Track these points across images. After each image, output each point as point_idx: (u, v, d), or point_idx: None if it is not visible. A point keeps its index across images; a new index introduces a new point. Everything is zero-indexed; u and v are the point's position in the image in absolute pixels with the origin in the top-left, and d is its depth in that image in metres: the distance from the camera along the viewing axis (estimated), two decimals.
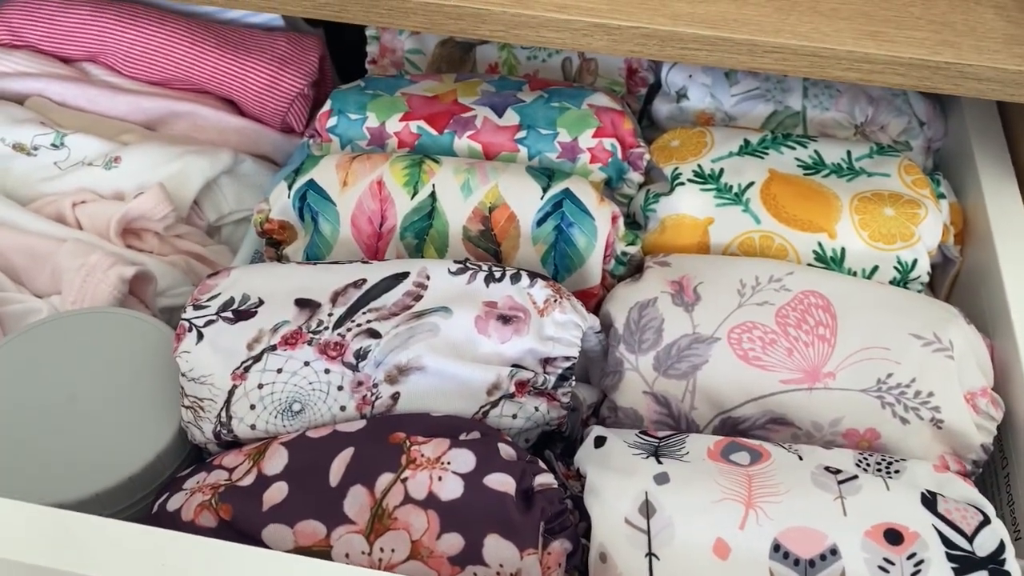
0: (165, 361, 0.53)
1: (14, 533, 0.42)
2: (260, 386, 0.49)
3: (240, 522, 0.44)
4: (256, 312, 0.51)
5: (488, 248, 0.58)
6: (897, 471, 0.45)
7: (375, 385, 0.48)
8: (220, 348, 0.50)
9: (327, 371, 0.49)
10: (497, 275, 0.52)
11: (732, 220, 0.59)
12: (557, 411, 0.50)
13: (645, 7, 0.58)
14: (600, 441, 0.47)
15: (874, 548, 0.41)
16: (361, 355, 0.48)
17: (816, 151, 0.63)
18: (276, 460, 0.46)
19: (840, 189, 0.60)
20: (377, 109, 0.64)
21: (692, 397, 0.51)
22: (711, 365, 0.51)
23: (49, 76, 0.74)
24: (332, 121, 0.65)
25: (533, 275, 0.52)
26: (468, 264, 0.53)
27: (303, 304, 0.51)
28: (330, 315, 0.50)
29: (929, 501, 0.43)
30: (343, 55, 0.82)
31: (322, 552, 0.42)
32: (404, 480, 0.43)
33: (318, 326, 0.50)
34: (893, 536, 0.41)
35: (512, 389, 0.49)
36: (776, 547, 0.41)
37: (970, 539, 0.41)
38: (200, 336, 0.50)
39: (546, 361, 0.50)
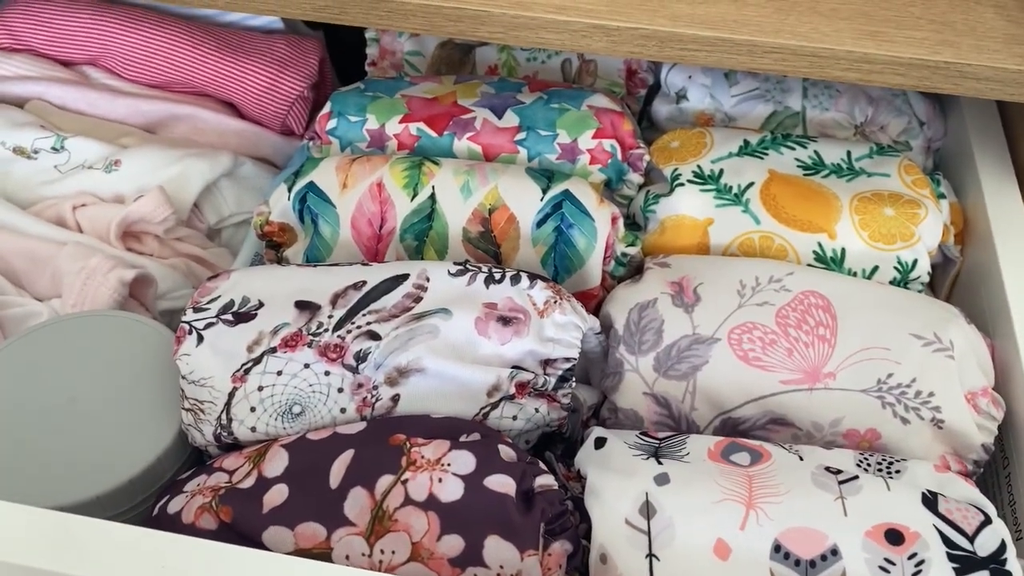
0: (165, 364, 0.53)
1: (14, 535, 0.42)
2: (260, 388, 0.49)
3: (240, 524, 0.44)
4: (256, 314, 0.51)
5: (488, 250, 0.58)
6: (898, 471, 0.45)
7: (375, 387, 0.48)
8: (220, 350, 0.50)
9: (327, 373, 0.49)
10: (497, 276, 0.52)
11: (732, 221, 0.59)
12: (557, 412, 0.50)
13: (644, 8, 0.58)
14: (600, 442, 0.47)
15: (875, 548, 0.41)
16: (361, 357, 0.48)
17: (816, 151, 0.63)
18: (276, 462, 0.46)
19: (840, 189, 0.60)
20: (377, 111, 0.64)
21: (692, 398, 0.51)
22: (711, 366, 0.51)
23: (49, 79, 0.75)
24: (332, 123, 0.65)
25: (533, 276, 0.52)
26: (468, 266, 0.53)
27: (303, 306, 0.51)
28: (330, 317, 0.50)
29: (930, 501, 0.43)
30: (343, 57, 0.82)
31: (322, 554, 0.42)
32: (404, 482, 0.43)
33: (318, 328, 0.50)
34: (894, 536, 0.41)
35: (512, 391, 0.49)
36: (777, 548, 0.41)
37: (971, 539, 0.41)
38: (200, 339, 0.50)
39: (546, 362, 0.50)
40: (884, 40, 0.56)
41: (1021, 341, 0.53)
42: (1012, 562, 0.41)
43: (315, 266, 0.55)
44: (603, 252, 0.57)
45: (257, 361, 0.49)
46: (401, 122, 0.64)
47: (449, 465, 0.43)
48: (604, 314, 0.55)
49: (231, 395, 0.49)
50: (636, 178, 0.63)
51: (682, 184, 0.60)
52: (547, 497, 0.43)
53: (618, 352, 0.53)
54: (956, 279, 0.63)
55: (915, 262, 0.57)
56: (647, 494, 0.43)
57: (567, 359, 0.50)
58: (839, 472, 0.44)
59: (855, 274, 0.57)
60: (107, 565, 0.40)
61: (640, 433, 0.49)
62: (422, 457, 0.43)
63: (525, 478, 0.43)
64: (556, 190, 0.58)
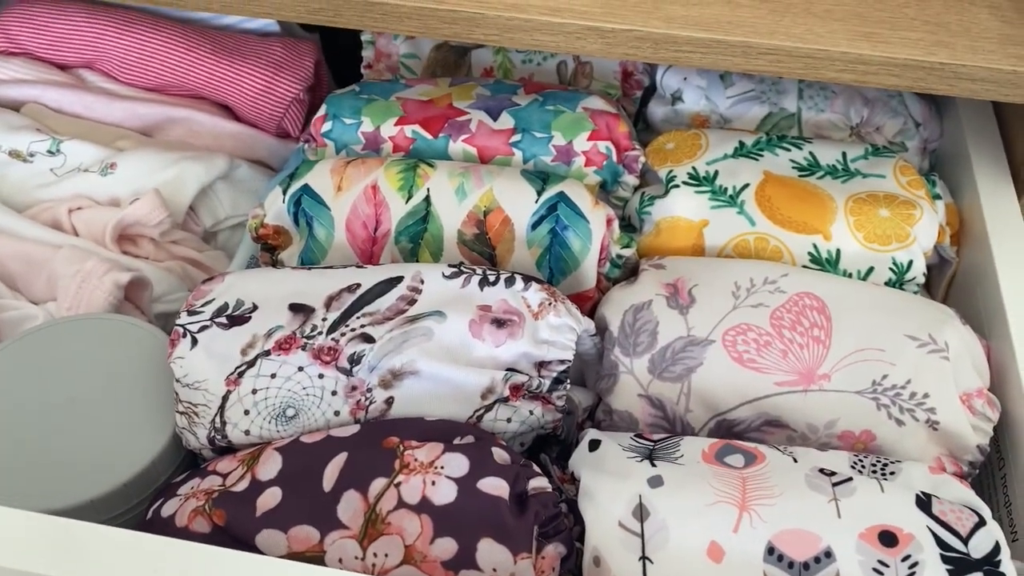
0: (160, 367, 0.53)
1: (8, 539, 0.42)
2: (254, 391, 0.49)
3: (234, 528, 0.44)
4: (250, 317, 0.51)
5: (483, 252, 0.58)
6: (892, 473, 0.45)
7: (369, 390, 0.48)
8: (214, 354, 0.50)
9: (321, 376, 0.49)
10: (491, 279, 0.52)
11: (727, 222, 0.59)
12: (552, 415, 0.50)
13: (639, 10, 0.58)
14: (594, 444, 0.47)
15: (868, 550, 0.41)
16: (355, 360, 0.48)
17: (811, 153, 0.62)
18: (270, 465, 0.46)
19: (835, 190, 0.59)
20: (372, 113, 0.64)
21: (687, 400, 0.51)
22: (706, 367, 0.51)
23: (45, 83, 0.75)
24: (327, 126, 0.65)
25: (527, 278, 0.52)
26: (462, 268, 0.53)
27: (297, 309, 0.51)
28: (324, 320, 0.50)
29: (924, 503, 0.43)
30: (339, 60, 0.82)
31: (315, 557, 0.42)
32: (397, 485, 0.43)
33: (312, 331, 0.50)
34: (887, 538, 0.41)
35: (506, 393, 0.49)
36: (770, 550, 0.41)
37: (965, 541, 0.41)
38: (194, 342, 0.50)
39: (541, 365, 0.50)
40: (879, 41, 0.56)
41: (1017, 342, 0.53)
42: (1006, 564, 0.41)
43: (309, 269, 0.55)
44: (598, 254, 0.57)
45: (251, 364, 0.49)
46: (396, 124, 0.64)
47: (442, 468, 0.43)
48: (599, 316, 0.55)
49: (225, 398, 0.49)
50: (631, 180, 0.63)
51: (677, 186, 0.60)
52: (541, 500, 0.43)
53: (613, 354, 0.53)
54: (952, 280, 0.63)
55: (910, 263, 0.57)
56: (641, 496, 0.43)
57: (561, 361, 0.50)
58: (833, 474, 0.44)
59: (850, 275, 0.57)
60: (99, 569, 0.40)
61: (635, 435, 0.49)
62: (415, 460, 0.43)
63: (519, 481, 0.43)
64: (551, 192, 0.58)
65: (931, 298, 0.63)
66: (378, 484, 0.43)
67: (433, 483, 0.42)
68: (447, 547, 0.41)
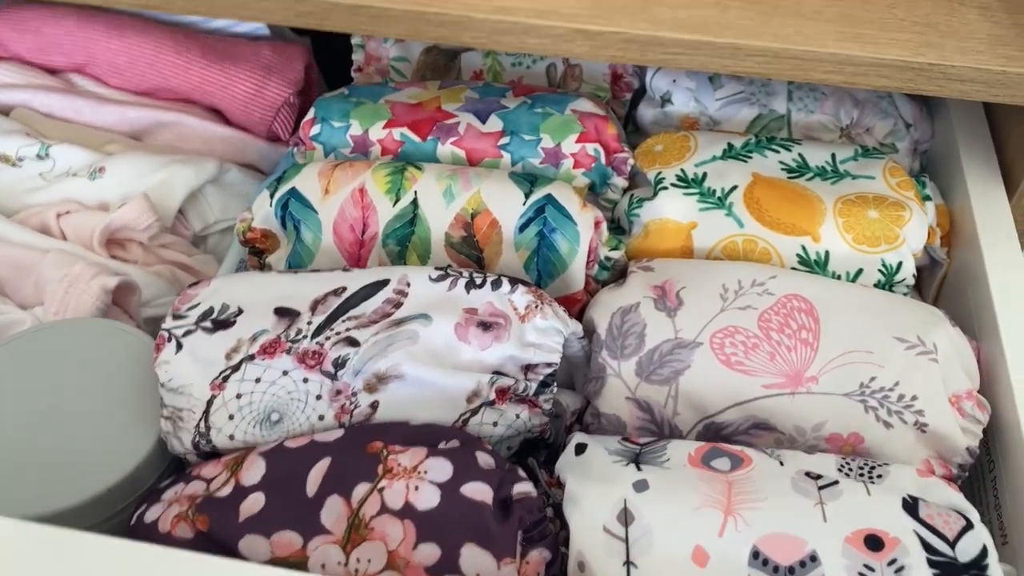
0: (147, 372, 0.53)
1: None
2: (238, 396, 0.48)
3: (216, 533, 0.43)
4: (235, 321, 0.51)
5: (470, 254, 0.57)
6: (879, 476, 0.45)
7: (354, 394, 0.48)
8: (199, 358, 0.49)
9: (305, 380, 0.48)
10: (478, 281, 0.52)
11: (715, 224, 0.58)
12: (539, 418, 0.50)
13: (626, 12, 0.57)
14: (580, 448, 0.47)
15: (854, 554, 0.40)
16: (339, 364, 0.48)
17: (800, 154, 0.62)
18: (254, 470, 0.45)
19: (824, 192, 0.59)
20: (360, 117, 0.64)
21: (675, 403, 0.51)
22: (693, 370, 0.50)
23: (35, 87, 0.74)
24: (315, 129, 0.64)
25: (514, 281, 0.52)
26: (449, 271, 0.53)
27: (282, 313, 0.51)
28: (309, 323, 0.50)
29: (911, 506, 0.42)
30: (330, 64, 0.82)
31: (298, 563, 0.42)
32: (381, 490, 0.42)
33: (297, 335, 0.49)
34: (873, 542, 0.41)
35: (492, 396, 0.49)
36: (755, 554, 0.41)
37: (952, 544, 0.41)
38: (179, 346, 0.50)
39: (527, 368, 0.50)
40: (868, 42, 0.56)
41: (1006, 343, 0.52)
42: (994, 567, 0.41)
43: (296, 272, 0.54)
44: (586, 256, 0.57)
45: (235, 368, 0.49)
46: (385, 127, 0.64)
47: (426, 473, 0.43)
48: (587, 318, 0.55)
49: (209, 403, 0.49)
50: (620, 182, 0.63)
51: (665, 188, 0.60)
52: (525, 505, 0.43)
53: (600, 357, 0.52)
54: (943, 281, 0.63)
55: (900, 264, 0.57)
56: (625, 501, 0.43)
57: (548, 364, 0.50)
58: (819, 477, 0.44)
59: (839, 277, 0.57)
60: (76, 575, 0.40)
61: (622, 439, 0.49)
62: (399, 465, 0.43)
63: (503, 486, 0.43)
64: (539, 194, 0.58)
65: (922, 300, 0.62)
66: (361, 489, 0.43)
67: (416, 488, 0.42)
68: (430, 553, 0.41)
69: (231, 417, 0.48)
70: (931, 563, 0.40)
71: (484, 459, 0.44)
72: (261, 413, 0.48)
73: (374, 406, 0.48)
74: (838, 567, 0.40)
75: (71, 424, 0.51)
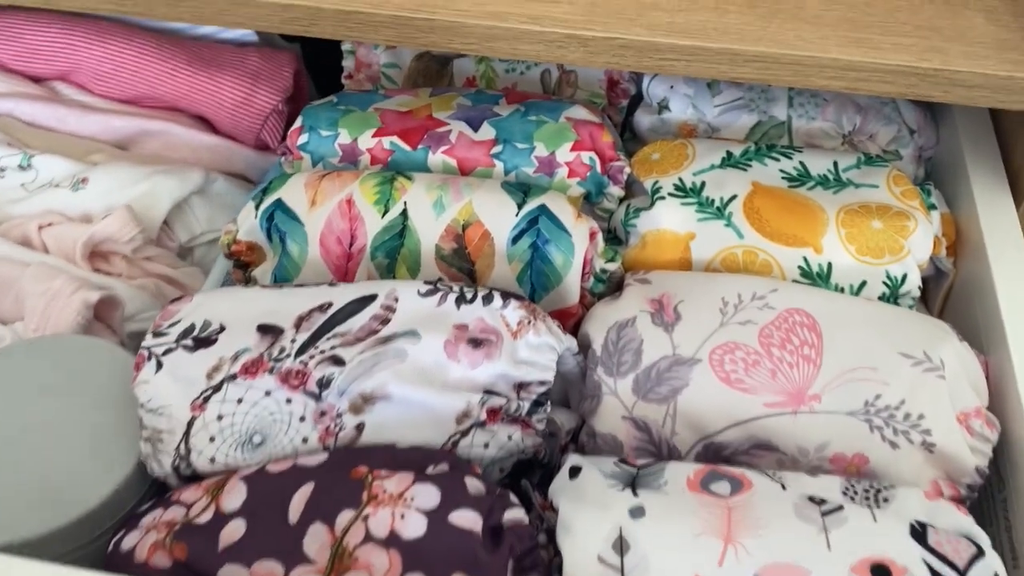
0: (128, 391, 0.51)
1: None
2: (220, 417, 0.47)
3: (195, 563, 0.42)
4: (217, 339, 0.49)
5: (462, 267, 0.56)
6: (886, 499, 0.43)
7: (339, 415, 0.46)
8: (179, 378, 0.48)
9: (289, 401, 0.47)
10: (468, 296, 0.50)
11: (714, 235, 0.57)
12: (532, 439, 0.48)
13: (621, 17, 0.56)
14: (575, 471, 0.45)
15: None
16: (324, 384, 0.47)
17: (801, 162, 0.61)
18: (235, 496, 0.44)
19: (826, 202, 0.58)
20: (349, 125, 0.63)
21: (673, 422, 0.49)
22: (692, 388, 0.49)
23: (18, 96, 0.73)
24: (303, 138, 0.63)
25: (506, 295, 0.51)
26: (439, 285, 0.51)
27: (265, 330, 0.49)
28: (293, 341, 0.48)
29: (919, 533, 0.41)
30: (321, 71, 0.80)
31: None
32: (365, 518, 0.41)
33: (280, 353, 0.48)
34: (880, 571, 0.39)
35: (483, 417, 0.47)
36: None
37: (962, 573, 0.39)
38: (159, 365, 0.49)
39: (520, 386, 0.48)
40: (870, 47, 0.55)
41: (1016, 357, 0.51)
42: None
43: (281, 287, 0.53)
44: (581, 269, 0.55)
45: (217, 389, 0.47)
46: (374, 136, 0.62)
47: (412, 500, 0.41)
48: (582, 333, 0.53)
49: (190, 424, 0.47)
50: (616, 191, 0.61)
51: (663, 197, 0.58)
52: (516, 532, 0.41)
53: (596, 374, 0.51)
54: (949, 292, 0.61)
55: (905, 276, 0.55)
56: (621, 528, 0.41)
57: (541, 382, 0.48)
58: (823, 502, 0.42)
59: (842, 290, 0.55)
60: None
61: (618, 460, 0.47)
62: (384, 491, 0.41)
63: (493, 512, 0.41)
64: (532, 205, 0.56)
65: (927, 311, 0.61)
66: (345, 516, 0.41)
67: (402, 516, 0.40)
68: None
69: (212, 439, 0.47)
70: None
71: (473, 485, 0.42)
72: (243, 435, 0.46)
73: (360, 428, 0.46)
74: None
75: (48, 445, 0.50)
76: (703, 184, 0.59)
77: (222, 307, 0.51)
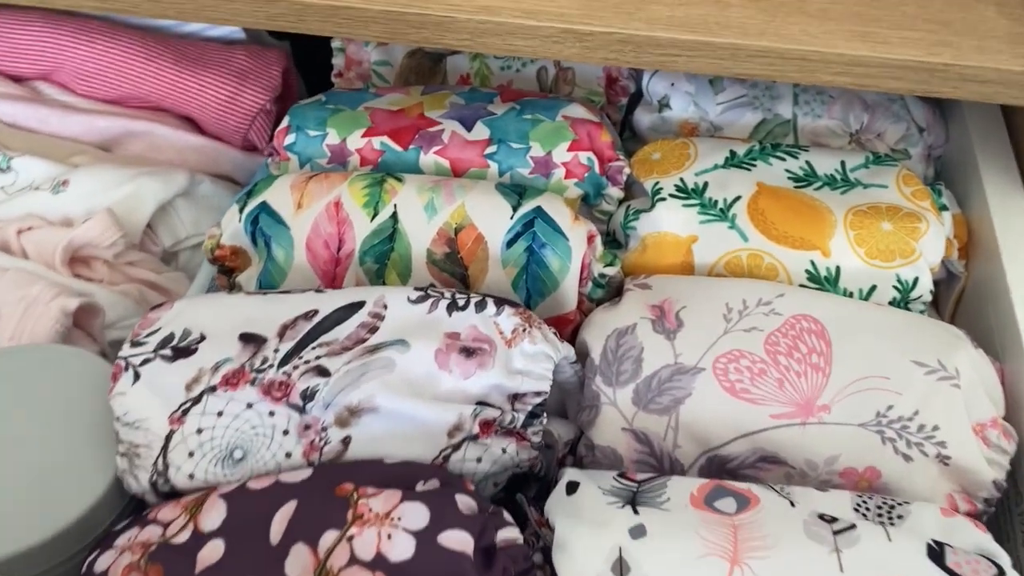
0: (105, 402, 0.49)
1: None
2: (199, 431, 0.45)
3: None
4: (197, 348, 0.47)
5: (454, 272, 0.53)
6: (900, 517, 0.41)
7: (324, 429, 0.44)
8: (157, 389, 0.46)
9: (272, 413, 0.44)
10: (461, 303, 0.48)
11: (717, 238, 0.55)
12: (527, 452, 0.46)
13: (620, 11, 0.54)
14: (572, 487, 0.43)
15: None
16: (308, 395, 0.44)
17: (807, 162, 0.58)
18: (214, 514, 0.41)
19: (834, 203, 0.55)
20: (338, 125, 0.60)
21: (675, 434, 0.47)
22: (695, 399, 0.47)
23: None
24: (290, 138, 0.61)
25: (500, 302, 0.48)
26: (429, 292, 0.49)
27: (248, 339, 0.47)
28: (276, 351, 0.46)
29: (936, 553, 0.38)
30: (312, 68, 0.78)
31: None
32: (350, 538, 0.38)
33: (262, 363, 0.45)
34: None
35: (476, 430, 0.45)
36: None
37: None
38: (136, 376, 0.46)
39: (514, 397, 0.46)
40: (878, 41, 0.53)
41: None
42: None
43: (265, 294, 0.50)
44: (579, 273, 0.53)
45: (196, 401, 0.45)
46: (364, 136, 0.60)
47: (400, 520, 0.39)
48: (580, 341, 0.51)
49: (168, 438, 0.45)
50: (615, 192, 0.59)
51: (664, 199, 0.56)
52: (510, 553, 0.39)
53: (594, 384, 0.48)
54: (961, 296, 0.59)
55: (916, 280, 0.53)
56: (621, 549, 0.39)
57: (537, 393, 0.46)
58: (834, 520, 0.40)
59: (851, 294, 0.53)
60: None
61: (618, 475, 0.45)
62: (370, 510, 0.39)
63: (486, 532, 0.39)
64: (527, 207, 0.54)
65: (938, 316, 0.59)
66: (329, 537, 0.39)
67: (389, 536, 0.38)
68: None
69: (191, 454, 0.45)
70: None
71: (465, 503, 0.40)
72: (223, 450, 0.44)
73: (346, 442, 0.44)
74: None
75: (21, 460, 0.48)
76: (706, 185, 0.57)
77: (203, 315, 0.49)
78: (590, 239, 0.54)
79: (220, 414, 0.45)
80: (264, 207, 0.55)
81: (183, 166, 0.68)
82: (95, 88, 0.71)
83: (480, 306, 0.48)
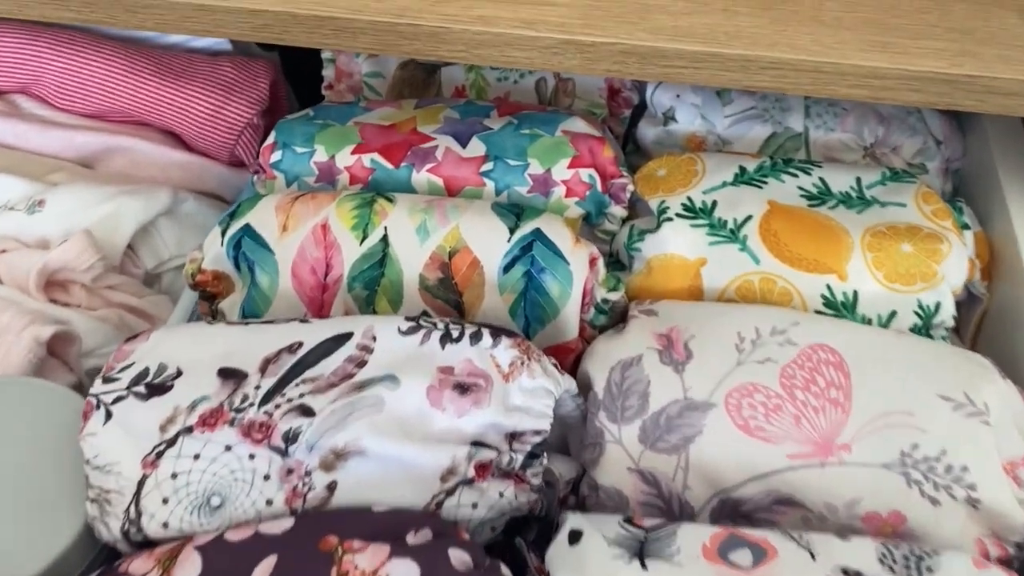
0: (77, 441, 0.46)
1: None
2: (174, 475, 0.42)
3: None
4: (172, 385, 0.44)
5: (448, 299, 0.50)
6: (930, 569, 0.38)
7: (308, 473, 0.41)
8: (130, 430, 0.43)
9: (252, 457, 0.41)
10: (454, 334, 0.45)
11: (727, 260, 0.52)
12: (526, 495, 0.43)
13: (623, 20, 0.51)
14: (575, 536, 0.40)
15: None
16: (291, 437, 0.41)
17: (821, 178, 0.56)
18: (188, 568, 0.38)
19: (850, 223, 0.53)
20: (326, 141, 0.58)
21: (685, 475, 0.44)
22: (706, 437, 0.44)
23: None
24: (276, 155, 0.58)
25: (497, 332, 0.45)
26: (422, 322, 0.46)
27: (227, 375, 0.44)
28: (257, 388, 0.43)
29: None
30: (303, 81, 0.75)
31: None
32: None
33: (242, 402, 0.42)
34: None
35: (471, 473, 0.42)
36: None
37: None
38: (108, 415, 0.43)
39: (512, 436, 0.43)
40: (896, 52, 0.50)
41: None
42: None
43: (248, 323, 0.47)
44: (580, 300, 0.50)
45: (171, 443, 0.42)
46: (353, 153, 0.57)
47: None
48: (582, 372, 0.48)
49: (141, 484, 0.42)
50: (619, 211, 0.56)
51: (670, 219, 0.54)
52: None
53: (598, 420, 0.45)
54: (982, 319, 0.56)
55: (938, 305, 0.50)
56: None
57: (536, 432, 0.43)
58: (859, 574, 0.37)
59: (870, 321, 0.50)
60: None
61: (623, 519, 0.42)
62: (355, 567, 0.36)
63: None
64: (526, 229, 0.51)
65: (958, 341, 0.56)
66: None
67: None
68: None
69: (165, 501, 0.41)
70: None
71: (459, 558, 0.37)
72: (200, 496, 0.41)
73: (331, 488, 0.41)
74: None
75: None
76: (714, 203, 0.54)
77: (180, 348, 0.46)
78: (592, 262, 0.51)
79: (197, 457, 0.42)
80: (247, 230, 0.52)
81: (167, 183, 0.65)
82: (75, 102, 0.69)
83: (475, 337, 0.45)
